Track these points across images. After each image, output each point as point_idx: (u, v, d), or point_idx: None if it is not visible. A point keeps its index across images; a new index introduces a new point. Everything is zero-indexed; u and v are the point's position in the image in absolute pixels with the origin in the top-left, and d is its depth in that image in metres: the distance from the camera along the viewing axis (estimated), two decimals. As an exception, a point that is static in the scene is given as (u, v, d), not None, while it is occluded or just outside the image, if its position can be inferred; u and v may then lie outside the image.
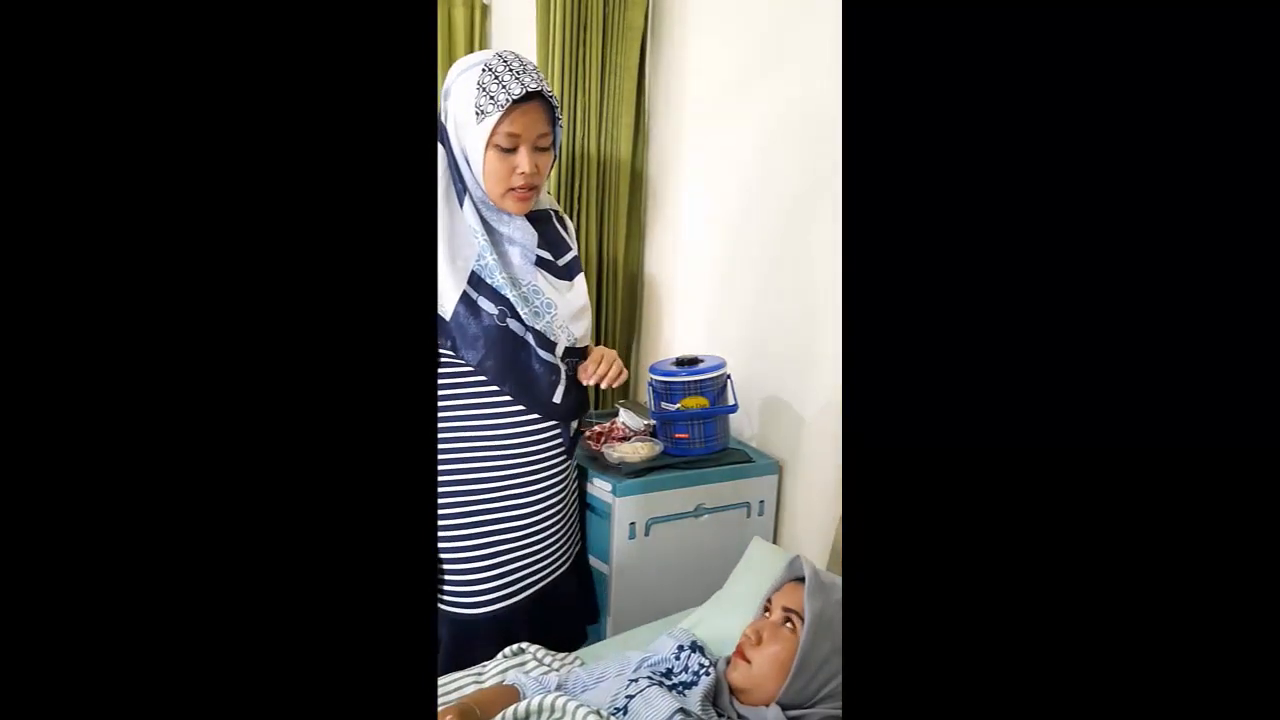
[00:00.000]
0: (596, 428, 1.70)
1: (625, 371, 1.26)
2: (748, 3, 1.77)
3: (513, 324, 1.17)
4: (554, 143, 1.17)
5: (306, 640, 0.44)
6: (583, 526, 1.52)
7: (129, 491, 0.41)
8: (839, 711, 0.91)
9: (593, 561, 1.54)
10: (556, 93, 1.86)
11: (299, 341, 0.44)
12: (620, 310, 2.07)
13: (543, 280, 1.21)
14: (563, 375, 1.22)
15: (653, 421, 1.68)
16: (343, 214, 0.45)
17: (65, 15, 0.40)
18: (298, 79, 0.44)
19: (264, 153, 0.44)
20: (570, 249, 1.28)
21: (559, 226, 1.28)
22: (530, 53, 1.85)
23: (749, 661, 0.96)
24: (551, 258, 1.24)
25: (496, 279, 1.16)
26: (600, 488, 1.52)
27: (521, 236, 1.20)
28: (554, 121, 1.15)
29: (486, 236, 1.16)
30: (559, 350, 1.22)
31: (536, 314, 1.19)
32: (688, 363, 1.63)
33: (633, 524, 1.51)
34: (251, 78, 0.43)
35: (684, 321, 2.07)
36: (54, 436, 0.40)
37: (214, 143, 0.43)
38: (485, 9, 1.96)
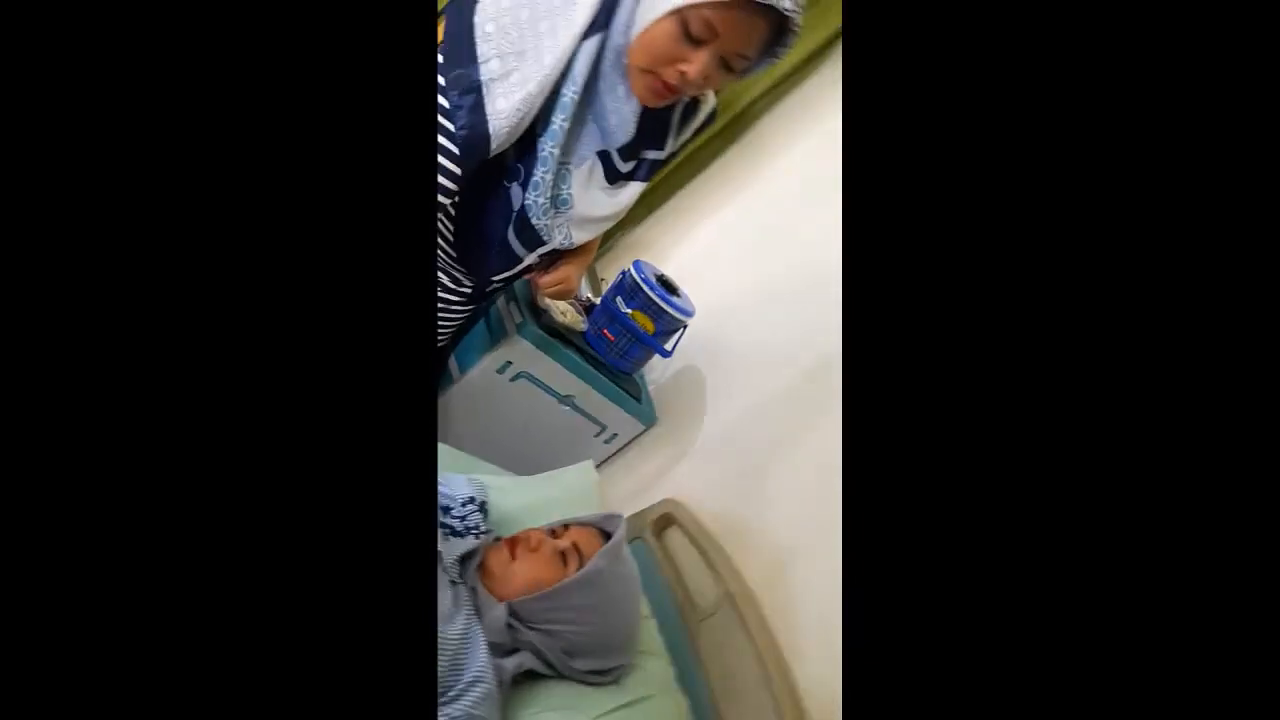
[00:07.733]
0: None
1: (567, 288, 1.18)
2: None
3: (512, 187, 0.98)
4: (746, 70, 0.92)
5: (298, 649, 0.42)
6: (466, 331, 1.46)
7: (125, 494, 0.39)
8: (547, 651, 0.92)
9: (451, 363, 1.50)
10: None
11: (294, 336, 0.43)
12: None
13: (583, 174, 1.01)
14: (520, 266, 1.08)
15: (597, 302, 1.63)
16: (340, 212, 0.43)
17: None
18: (295, 72, 0.43)
19: (260, 152, 0.42)
20: (660, 149, 1.05)
21: (673, 115, 1.03)
22: None
23: (515, 558, 0.96)
24: (618, 160, 1.02)
25: (545, 141, 0.93)
26: (511, 314, 1.46)
27: (615, 122, 0.96)
28: (768, 51, 0.91)
29: (582, 83, 0.91)
30: (543, 249, 1.05)
31: (549, 206, 1.00)
32: (668, 287, 1.58)
33: (509, 362, 1.47)
34: (249, 74, 0.42)
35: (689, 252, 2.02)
36: (38, 442, 0.38)
37: (212, 141, 0.42)
38: None
